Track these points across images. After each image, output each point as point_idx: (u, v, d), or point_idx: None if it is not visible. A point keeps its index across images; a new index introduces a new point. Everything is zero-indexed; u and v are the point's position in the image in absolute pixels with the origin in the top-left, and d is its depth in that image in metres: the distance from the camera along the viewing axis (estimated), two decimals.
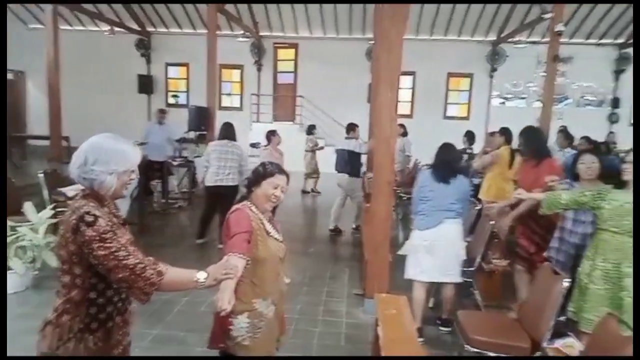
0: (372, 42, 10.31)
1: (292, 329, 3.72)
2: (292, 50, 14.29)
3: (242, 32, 12.85)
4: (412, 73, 13.38)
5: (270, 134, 6.62)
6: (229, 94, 14.62)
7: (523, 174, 4.14)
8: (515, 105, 13.70)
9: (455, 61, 13.60)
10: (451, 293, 3.78)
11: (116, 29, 12.96)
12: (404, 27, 3.92)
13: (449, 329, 3.74)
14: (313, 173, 9.97)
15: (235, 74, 14.56)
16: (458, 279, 3.70)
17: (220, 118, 7.68)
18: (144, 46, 14.53)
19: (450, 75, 13.98)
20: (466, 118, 13.98)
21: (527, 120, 11.95)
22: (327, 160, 12.61)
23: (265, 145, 6.61)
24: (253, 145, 6.78)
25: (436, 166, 3.74)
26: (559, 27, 8.54)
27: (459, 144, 7.26)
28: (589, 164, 3.27)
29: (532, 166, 3.98)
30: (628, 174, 2.82)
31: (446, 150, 3.79)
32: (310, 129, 10.35)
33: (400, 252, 3.96)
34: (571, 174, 3.48)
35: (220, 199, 5.37)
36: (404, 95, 13.46)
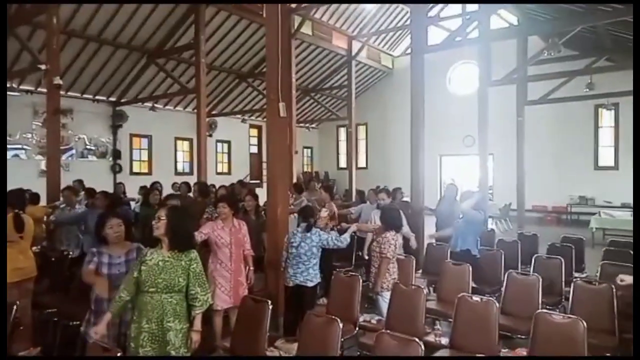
0: None
1: None
2: None
3: None
4: None
5: None
6: None
7: None
8: (16, 156, 12.16)
9: None
10: None
11: None
12: None
13: None
14: None
15: None
16: None
17: None
18: None
19: None
20: None
21: (33, 173, 11.12)
22: None
23: None
24: None
25: None
26: (57, 80, 8.37)
27: None
28: (116, 228, 3.20)
29: None
30: (156, 230, 2.90)
31: None
32: None
33: None
34: (98, 238, 3.31)
35: None
36: None
